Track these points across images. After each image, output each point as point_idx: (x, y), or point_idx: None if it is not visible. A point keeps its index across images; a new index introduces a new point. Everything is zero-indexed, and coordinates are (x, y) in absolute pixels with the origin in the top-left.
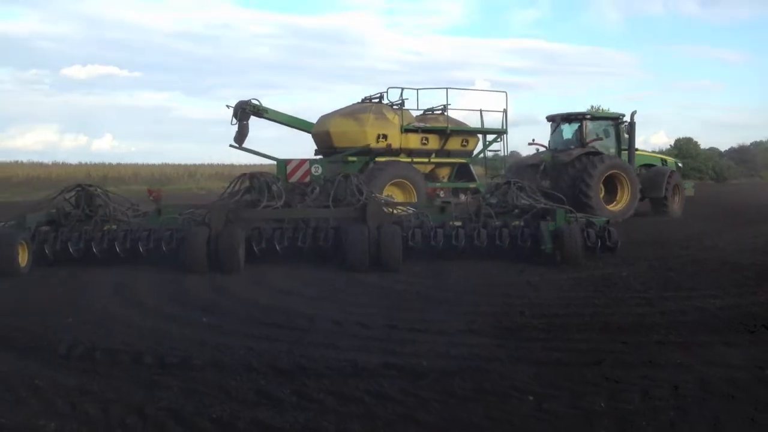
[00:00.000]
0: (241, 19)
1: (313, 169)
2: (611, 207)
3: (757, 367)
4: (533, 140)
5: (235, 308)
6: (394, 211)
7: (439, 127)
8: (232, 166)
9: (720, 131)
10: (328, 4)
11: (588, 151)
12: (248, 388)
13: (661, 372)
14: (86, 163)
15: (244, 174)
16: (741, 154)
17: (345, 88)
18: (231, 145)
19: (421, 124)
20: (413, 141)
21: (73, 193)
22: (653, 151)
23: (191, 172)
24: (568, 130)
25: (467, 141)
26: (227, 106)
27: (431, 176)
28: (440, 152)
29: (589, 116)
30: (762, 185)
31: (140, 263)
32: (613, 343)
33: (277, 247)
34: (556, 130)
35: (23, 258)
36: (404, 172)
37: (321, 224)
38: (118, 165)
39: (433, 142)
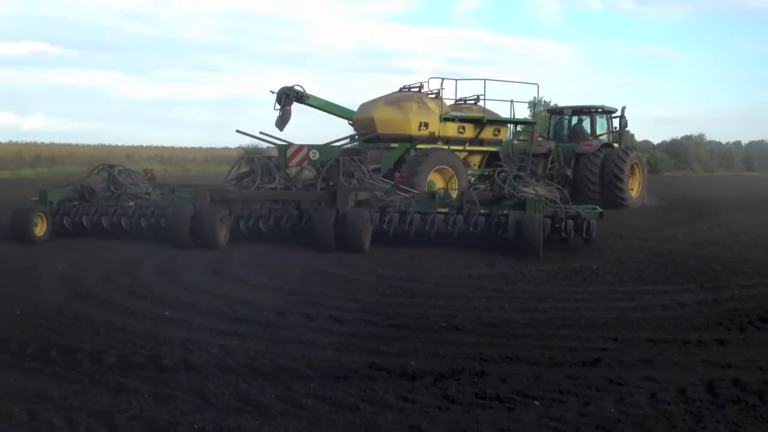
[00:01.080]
0: None
1: (311, 154)
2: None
3: (759, 368)
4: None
5: (197, 300)
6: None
7: (476, 117)
8: (172, 148)
9: (653, 125)
10: None
11: (606, 143)
12: (228, 392)
13: (662, 373)
14: (17, 143)
15: (244, 157)
16: (673, 148)
17: (287, 72)
18: (258, 133)
19: (458, 113)
20: (451, 129)
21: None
22: None
23: (129, 153)
24: (572, 122)
25: (499, 130)
26: (271, 92)
27: (464, 164)
28: (474, 141)
29: (600, 110)
30: (696, 178)
31: (102, 243)
32: (604, 341)
33: (261, 226)
34: (559, 121)
35: (41, 228)
36: (447, 158)
37: (309, 207)
38: (51, 145)
39: (469, 131)
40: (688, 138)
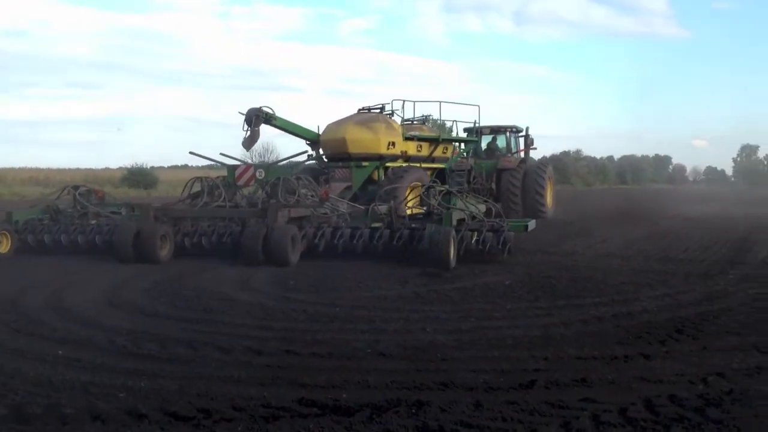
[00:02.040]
0: (56, 14)
1: (257, 174)
2: None
3: (690, 382)
4: None
5: (94, 336)
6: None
7: (432, 136)
8: (49, 170)
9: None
10: (156, 3)
11: (522, 159)
12: None
13: (599, 392)
14: None
15: (196, 177)
16: (553, 163)
17: (171, 90)
18: (219, 155)
19: (416, 133)
20: (411, 148)
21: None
22: None
23: (0, 176)
24: (489, 140)
25: (447, 148)
26: (239, 113)
27: None
28: (427, 158)
29: (513, 129)
30: (577, 191)
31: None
32: (534, 361)
33: (204, 242)
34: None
35: (5, 246)
36: (420, 176)
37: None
38: None
39: (425, 149)
40: (566, 153)
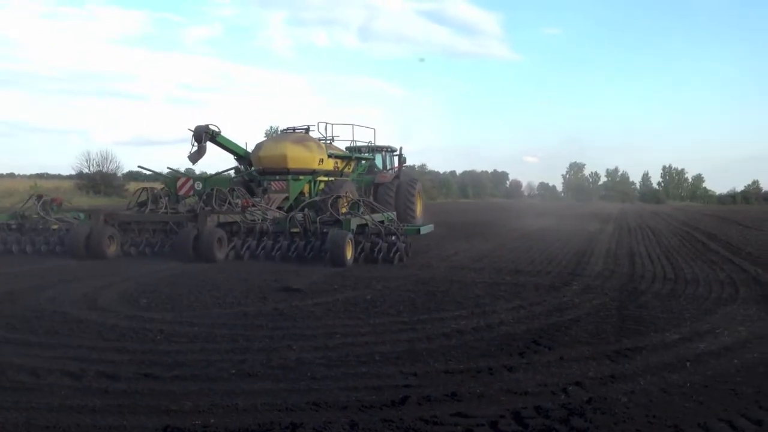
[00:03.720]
0: None
1: (195, 185)
2: None
3: (552, 393)
4: None
5: None
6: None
7: (347, 155)
8: None
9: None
10: None
11: (396, 175)
12: None
13: (470, 406)
14: None
15: (143, 188)
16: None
17: None
18: (165, 169)
19: (334, 152)
20: (332, 164)
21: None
22: None
23: None
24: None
25: (350, 164)
26: (189, 129)
27: None
28: (337, 173)
29: (389, 149)
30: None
31: None
32: (403, 377)
33: (147, 252)
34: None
35: None
36: (351, 188)
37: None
38: None
39: (340, 165)
40: (412, 168)
